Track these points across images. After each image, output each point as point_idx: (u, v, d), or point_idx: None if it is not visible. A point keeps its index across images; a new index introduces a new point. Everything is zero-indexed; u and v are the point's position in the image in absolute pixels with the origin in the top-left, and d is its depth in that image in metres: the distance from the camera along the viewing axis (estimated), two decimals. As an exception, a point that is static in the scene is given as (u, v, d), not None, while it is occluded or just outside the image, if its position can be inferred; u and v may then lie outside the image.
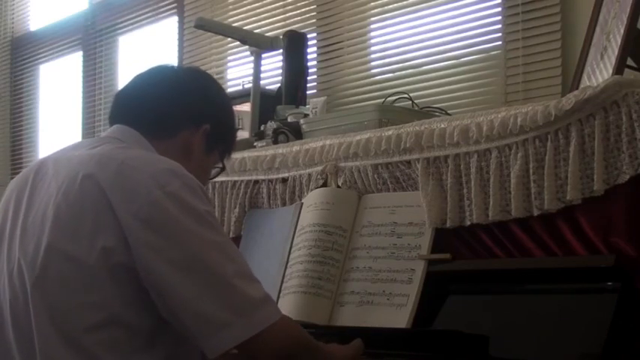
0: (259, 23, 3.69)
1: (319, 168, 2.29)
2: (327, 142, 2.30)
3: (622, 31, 1.95)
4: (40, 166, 1.60)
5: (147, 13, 4.39)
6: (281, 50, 3.02)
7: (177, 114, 1.64)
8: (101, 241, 1.40)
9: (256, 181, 2.48)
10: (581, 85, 2.11)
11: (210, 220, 1.45)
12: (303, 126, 2.55)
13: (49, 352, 1.41)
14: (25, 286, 1.45)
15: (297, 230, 2.24)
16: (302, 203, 2.29)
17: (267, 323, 1.41)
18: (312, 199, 2.25)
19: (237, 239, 2.46)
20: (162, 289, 1.40)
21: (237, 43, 3.39)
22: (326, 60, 3.37)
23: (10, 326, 1.48)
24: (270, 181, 2.44)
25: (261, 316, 1.41)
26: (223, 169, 1.78)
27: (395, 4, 3.20)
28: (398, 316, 1.95)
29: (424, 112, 2.55)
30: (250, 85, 3.03)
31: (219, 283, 1.40)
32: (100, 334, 1.41)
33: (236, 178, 2.52)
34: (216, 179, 2.51)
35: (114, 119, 1.67)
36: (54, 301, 1.42)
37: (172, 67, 1.75)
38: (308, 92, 3.07)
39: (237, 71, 3.80)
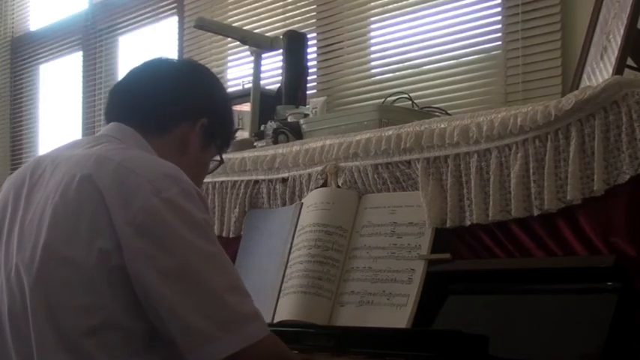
0: (259, 23, 3.69)
1: (319, 168, 2.29)
2: (327, 142, 2.30)
3: (622, 31, 1.95)
4: (37, 164, 1.58)
5: (147, 13, 4.39)
6: (281, 50, 3.02)
7: (173, 109, 1.62)
8: (98, 243, 1.39)
9: (256, 181, 2.48)
10: (581, 85, 2.11)
11: (205, 229, 1.43)
12: (303, 126, 2.55)
13: (47, 355, 1.40)
14: (23, 288, 1.44)
15: (297, 230, 2.24)
16: (302, 203, 2.29)
17: (253, 340, 1.39)
18: (312, 199, 2.25)
19: (237, 239, 2.46)
20: (152, 297, 1.39)
21: (237, 43, 3.39)
22: (326, 60, 3.38)
23: (8, 329, 1.47)
24: (270, 181, 2.44)
25: (248, 332, 1.39)
26: (221, 162, 1.76)
27: (395, 4, 3.20)
28: (398, 316, 1.95)
29: (424, 112, 2.55)
30: (250, 85, 3.03)
31: (209, 296, 1.39)
32: (98, 336, 1.39)
33: (236, 178, 2.52)
34: (216, 179, 2.53)
35: (110, 116, 1.65)
36: (51, 304, 1.41)
37: (167, 60, 1.71)
38: (308, 92, 3.07)
39: (237, 71, 3.80)
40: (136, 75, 1.67)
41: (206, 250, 1.41)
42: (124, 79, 1.67)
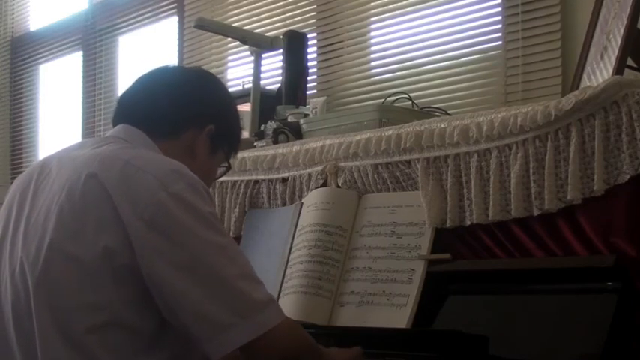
0: (259, 23, 3.70)
1: (319, 168, 2.29)
2: (327, 142, 2.30)
3: (622, 31, 1.95)
4: (43, 165, 1.59)
5: (147, 13, 4.39)
6: (281, 50, 3.02)
7: (180, 115, 1.63)
8: (104, 241, 1.40)
9: (256, 181, 2.48)
10: (581, 85, 2.11)
11: (213, 222, 1.44)
12: (303, 126, 2.55)
13: (50, 353, 1.41)
14: (28, 286, 1.45)
15: (297, 230, 2.24)
16: (302, 203, 2.29)
17: (270, 325, 1.40)
18: (312, 199, 2.25)
19: (237, 239, 2.45)
20: (165, 291, 1.40)
21: (237, 43, 3.39)
22: (326, 60, 3.38)
23: (12, 326, 1.48)
24: (270, 181, 2.44)
25: (265, 319, 1.40)
26: (229, 168, 1.78)
27: (395, 4, 3.20)
28: (398, 316, 1.95)
29: (424, 112, 2.55)
30: (250, 85, 3.03)
31: (223, 286, 1.40)
32: (102, 335, 1.40)
33: (236, 178, 2.52)
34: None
35: (117, 121, 1.66)
36: (55, 301, 1.42)
37: (175, 67, 1.75)
38: (308, 92, 3.07)
39: (237, 71, 3.80)
40: (143, 82, 1.68)
41: (216, 241, 1.42)
42: (132, 86, 1.69)
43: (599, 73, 2.04)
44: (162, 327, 1.44)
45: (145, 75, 1.69)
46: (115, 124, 1.66)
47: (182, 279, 1.39)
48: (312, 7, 3.48)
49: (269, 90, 3.18)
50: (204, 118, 1.65)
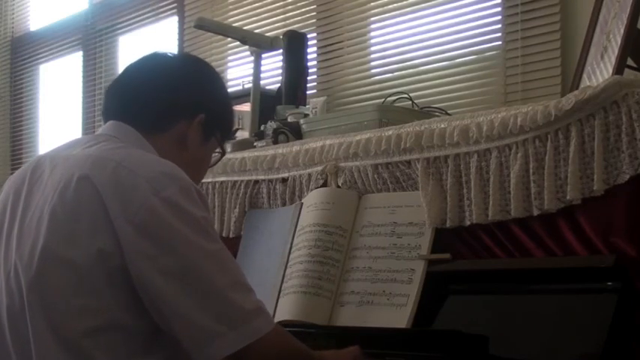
0: (259, 23, 3.70)
1: (319, 168, 2.29)
2: (327, 142, 2.30)
3: (622, 31, 1.95)
4: (36, 164, 1.58)
5: (147, 13, 4.40)
6: (281, 50, 3.02)
7: (170, 108, 1.60)
8: (97, 243, 1.39)
9: (256, 181, 2.48)
10: (581, 85, 2.11)
11: (205, 227, 1.43)
12: (303, 126, 2.55)
13: (45, 355, 1.40)
14: (22, 289, 1.44)
15: (297, 230, 2.24)
16: (302, 203, 2.29)
17: (257, 335, 1.40)
18: (312, 199, 2.25)
19: (237, 239, 2.46)
20: (154, 297, 1.39)
21: (237, 43, 3.39)
22: (326, 60, 3.38)
23: (8, 330, 1.47)
24: (270, 181, 2.44)
25: (253, 328, 1.40)
26: (223, 154, 1.75)
27: (395, 4, 3.20)
28: (398, 316, 1.95)
29: (424, 112, 2.55)
30: (250, 85, 3.03)
31: (212, 294, 1.39)
32: (97, 337, 1.39)
33: (236, 178, 2.52)
34: (216, 179, 2.53)
35: (108, 114, 1.63)
36: (50, 304, 1.41)
37: (163, 56, 1.69)
38: (308, 92, 3.07)
39: (237, 71, 3.80)
40: (132, 73, 1.65)
41: (206, 248, 1.41)
42: (121, 76, 1.66)
43: (599, 73, 2.04)
44: (157, 329, 1.42)
45: (132, 65, 1.66)
46: (105, 118, 1.64)
47: (172, 286, 1.38)
48: (312, 7, 3.48)
49: (269, 90, 3.18)
50: (193, 108, 1.62)
